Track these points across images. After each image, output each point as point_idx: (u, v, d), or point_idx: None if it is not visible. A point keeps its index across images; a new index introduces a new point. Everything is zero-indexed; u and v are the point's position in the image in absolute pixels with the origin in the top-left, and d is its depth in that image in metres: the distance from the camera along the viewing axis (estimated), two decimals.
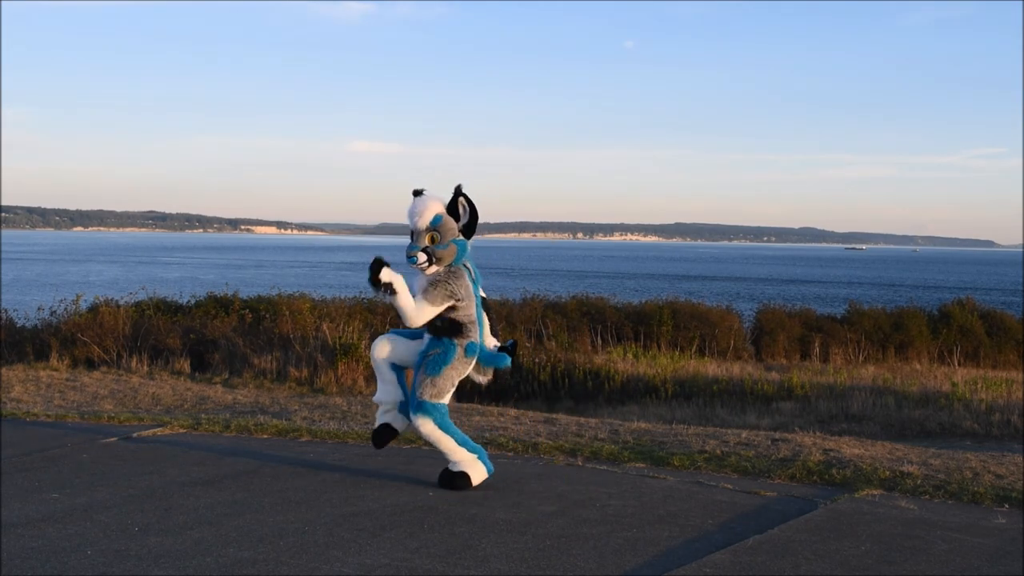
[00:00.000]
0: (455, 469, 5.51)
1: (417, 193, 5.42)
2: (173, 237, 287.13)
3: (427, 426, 5.37)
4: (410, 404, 5.44)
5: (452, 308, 5.38)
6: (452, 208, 5.34)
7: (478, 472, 5.53)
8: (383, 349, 5.52)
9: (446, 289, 5.32)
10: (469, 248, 5.47)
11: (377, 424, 5.65)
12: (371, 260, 5.20)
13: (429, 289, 5.32)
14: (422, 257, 5.30)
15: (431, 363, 5.40)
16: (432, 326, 5.41)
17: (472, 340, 5.44)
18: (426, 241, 5.32)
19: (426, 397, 5.36)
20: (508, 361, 5.54)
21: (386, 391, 5.55)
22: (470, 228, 5.42)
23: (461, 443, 5.49)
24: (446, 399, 5.44)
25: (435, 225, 5.32)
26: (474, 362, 5.50)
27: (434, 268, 5.34)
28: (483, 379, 5.64)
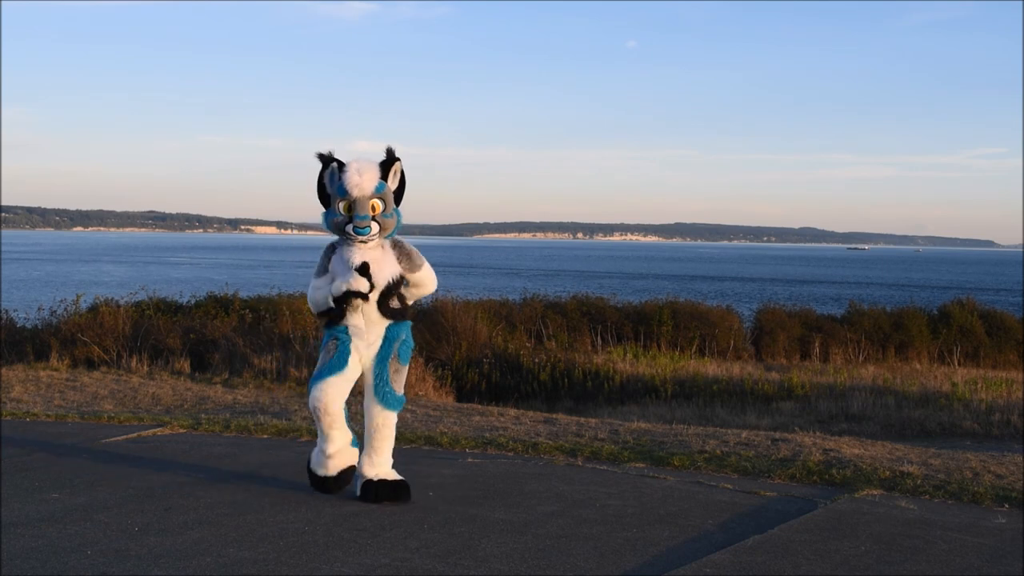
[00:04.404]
0: (394, 477, 5.13)
1: (327, 159, 4.86)
2: (173, 237, 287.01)
3: (391, 419, 5.03)
4: (381, 396, 4.99)
5: (407, 286, 4.99)
6: (385, 174, 4.87)
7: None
8: (338, 395, 4.94)
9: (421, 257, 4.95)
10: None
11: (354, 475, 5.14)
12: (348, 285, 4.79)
13: (416, 256, 4.94)
14: (375, 227, 4.78)
15: (403, 351, 5.00)
16: (395, 310, 4.94)
17: None
18: (371, 210, 4.79)
19: (399, 389, 5.03)
20: None
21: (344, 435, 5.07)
22: (400, 196, 4.96)
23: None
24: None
25: (380, 192, 4.82)
26: None
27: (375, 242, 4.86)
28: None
